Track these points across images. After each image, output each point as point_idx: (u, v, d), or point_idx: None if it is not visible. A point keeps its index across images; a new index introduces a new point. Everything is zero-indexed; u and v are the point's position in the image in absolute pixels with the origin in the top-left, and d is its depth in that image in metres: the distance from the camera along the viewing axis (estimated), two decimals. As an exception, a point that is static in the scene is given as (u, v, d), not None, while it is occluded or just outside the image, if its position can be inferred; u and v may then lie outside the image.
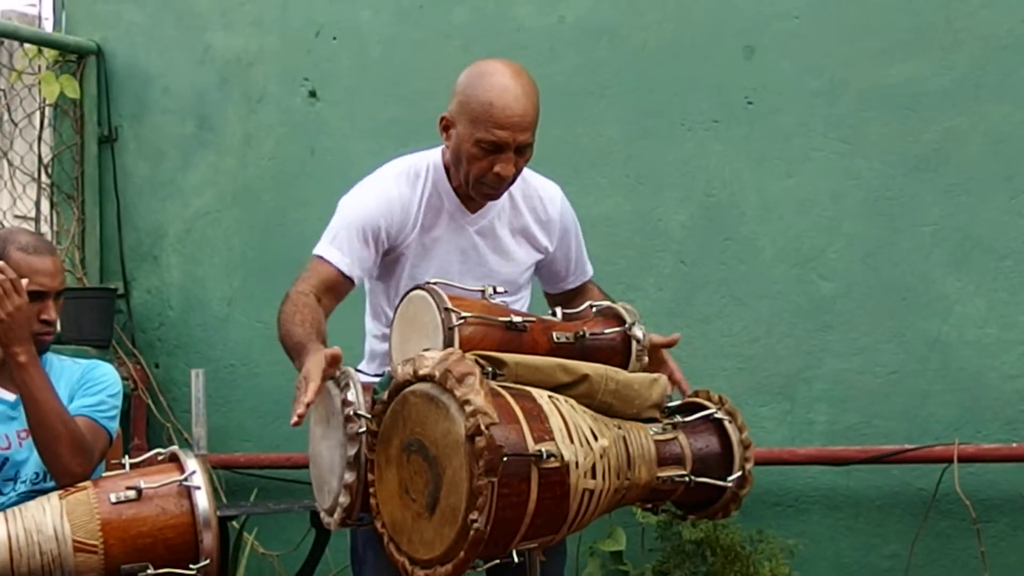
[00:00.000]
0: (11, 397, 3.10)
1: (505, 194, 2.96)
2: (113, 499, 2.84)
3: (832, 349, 4.21)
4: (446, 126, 2.88)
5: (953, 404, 4.05)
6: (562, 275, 3.16)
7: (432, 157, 3.00)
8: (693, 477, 2.67)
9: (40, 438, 2.97)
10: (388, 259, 2.98)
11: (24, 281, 2.94)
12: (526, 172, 3.04)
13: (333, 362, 2.56)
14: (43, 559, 2.77)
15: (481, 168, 2.80)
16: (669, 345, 2.96)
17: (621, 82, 4.55)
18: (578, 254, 3.17)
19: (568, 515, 2.40)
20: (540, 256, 3.08)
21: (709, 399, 2.81)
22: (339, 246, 2.92)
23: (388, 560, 2.51)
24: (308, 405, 2.49)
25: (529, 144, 2.83)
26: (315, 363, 2.55)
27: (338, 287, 2.91)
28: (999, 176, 4.04)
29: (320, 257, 2.92)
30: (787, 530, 4.11)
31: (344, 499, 2.59)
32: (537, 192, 3.07)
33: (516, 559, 2.40)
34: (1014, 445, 3.92)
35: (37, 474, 3.08)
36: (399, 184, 2.96)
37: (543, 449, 2.32)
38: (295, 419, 2.49)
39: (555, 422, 2.39)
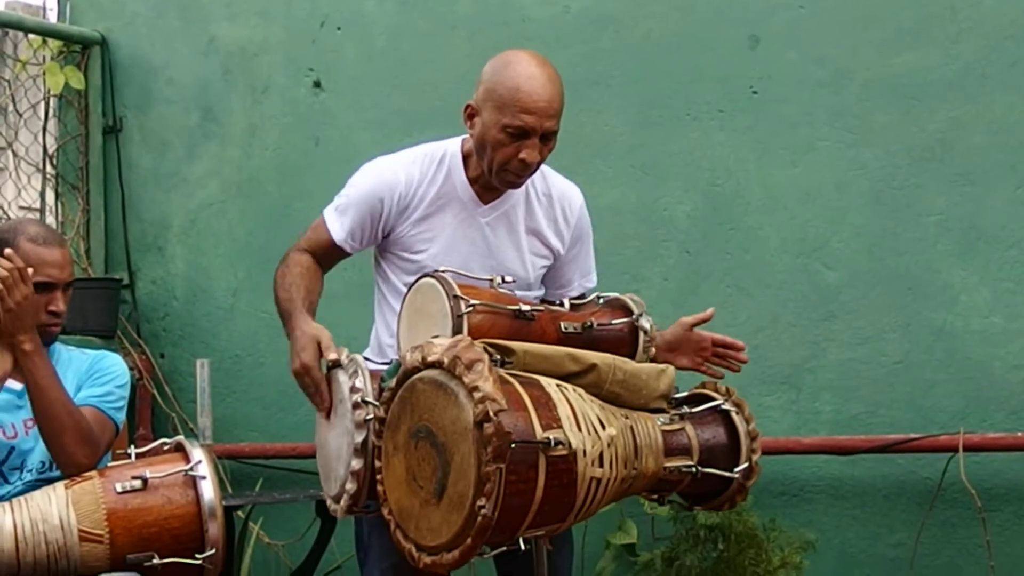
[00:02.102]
0: (18, 386, 3.10)
1: (521, 189, 2.97)
2: (119, 489, 2.84)
3: (837, 339, 4.21)
4: (471, 114, 2.89)
5: (958, 394, 4.05)
6: (567, 281, 3.15)
7: (451, 146, 3.01)
8: (700, 468, 2.67)
9: (45, 427, 2.96)
10: (393, 242, 2.99)
11: (29, 270, 2.94)
12: (548, 171, 3.05)
13: (324, 350, 2.75)
14: (49, 549, 2.77)
15: (506, 154, 2.81)
16: (702, 322, 3.02)
17: (626, 72, 4.55)
18: (586, 262, 3.17)
19: (575, 503, 2.41)
20: (550, 255, 3.07)
21: (716, 390, 2.82)
22: (341, 213, 3.01)
23: (393, 546, 2.52)
24: (328, 399, 2.75)
25: (554, 132, 2.84)
26: (310, 356, 2.77)
27: (329, 253, 3.03)
28: (1004, 166, 4.04)
29: (323, 219, 3.03)
30: (793, 519, 4.11)
31: (351, 486, 2.60)
32: (558, 192, 3.08)
33: (523, 547, 2.40)
34: (1019, 434, 3.92)
35: (43, 463, 3.08)
36: (412, 164, 3.00)
37: (551, 437, 2.33)
38: (324, 412, 2.79)
39: (563, 410, 2.40)
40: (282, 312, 2.90)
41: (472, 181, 2.97)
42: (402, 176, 2.97)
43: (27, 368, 2.94)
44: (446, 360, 2.36)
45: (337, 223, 3.00)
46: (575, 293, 3.13)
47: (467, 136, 2.97)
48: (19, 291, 2.90)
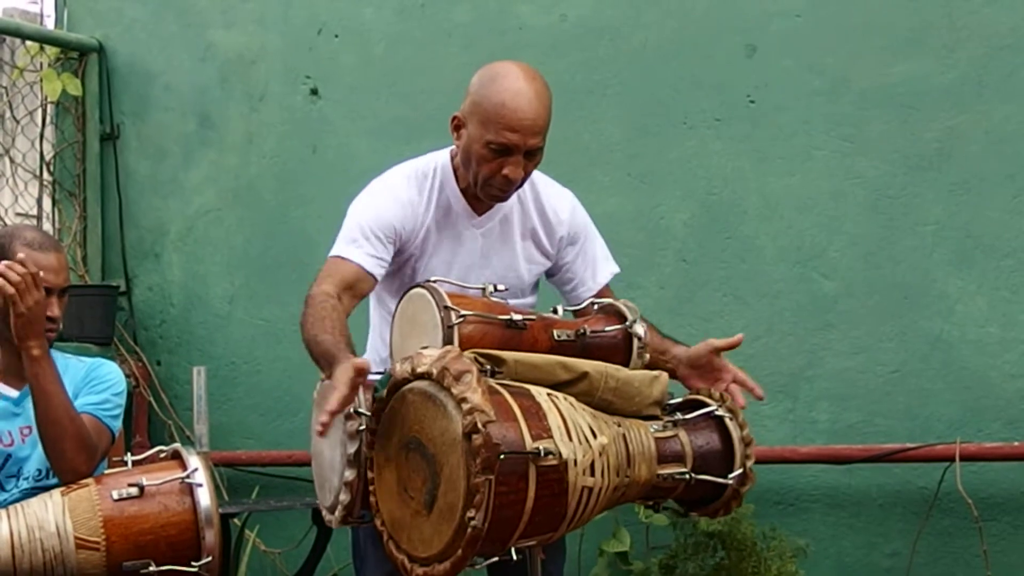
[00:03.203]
0: (14, 393, 3.11)
1: (514, 197, 2.95)
2: (115, 496, 2.85)
3: (833, 348, 4.21)
4: (457, 125, 2.87)
5: (955, 403, 4.05)
6: (581, 280, 3.12)
7: (440, 158, 2.99)
8: (694, 474, 2.66)
9: (47, 433, 2.97)
10: (395, 260, 2.98)
11: (41, 274, 2.94)
12: (539, 178, 3.04)
13: (360, 372, 2.46)
14: (45, 556, 2.77)
15: (490, 170, 2.79)
16: (731, 348, 2.90)
17: (623, 80, 4.55)
18: (594, 256, 3.14)
19: (567, 512, 2.40)
20: (545, 260, 3.07)
21: (709, 396, 2.82)
22: (359, 245, 2.88)
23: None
24: (332, 415, 2.44)
25: (539, 148, 2.82)
26: (343, 371, 2.47)
27: (360, 285, 2.87)
28: (1001, 175, 4.04)
29: (340, 257, 2.88)
30: (789, 528, 4.10)
31: (345, 496, 2.59)
32: (548, 199, 3.06)
33: (515, 557, 2.40)
34: (1015, 444, 3.92)
35: (40, 471, 3.08)
36: (409, 187, 2.95)
37: (541, 447, 2.33)
38: (319, 428, 2.46)
39: (553, 420, 2.39)
40: (324, 353, 2.62)
41: (464, 192, 2.95)
42: (405, 198, 2.93)
43: (34, 373, 2.95)
44: (435, 371, 2.35)
45: (359, 253, 2.87)
46: (595, 289, 3.09)
47: (456, 146, 2.96)
48: (31, 296, 2.91)
